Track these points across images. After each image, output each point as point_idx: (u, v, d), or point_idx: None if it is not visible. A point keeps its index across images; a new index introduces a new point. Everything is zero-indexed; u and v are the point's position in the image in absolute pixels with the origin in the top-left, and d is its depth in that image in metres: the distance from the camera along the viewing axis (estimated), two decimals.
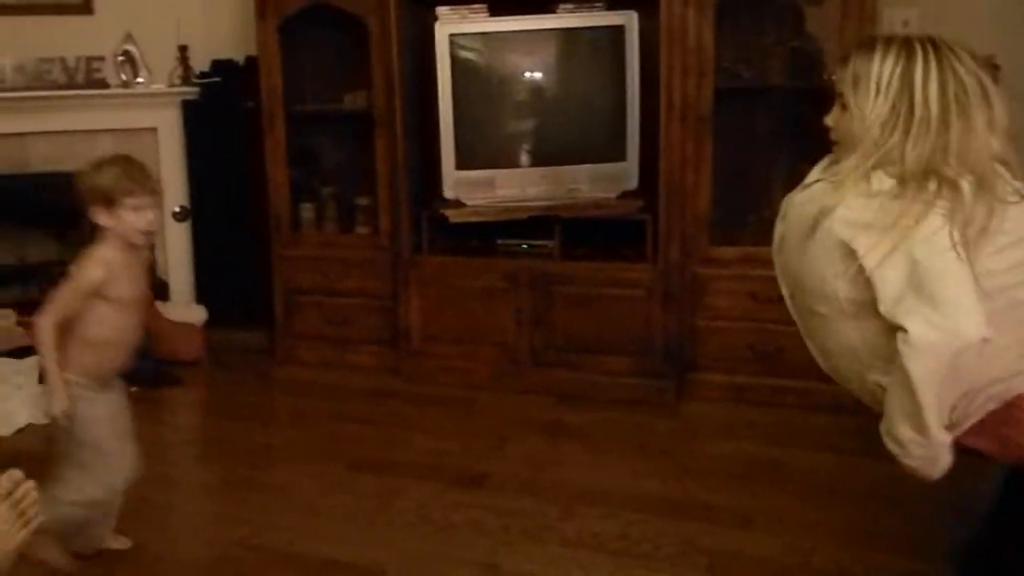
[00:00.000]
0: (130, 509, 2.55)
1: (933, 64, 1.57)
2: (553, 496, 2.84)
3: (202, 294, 4.46)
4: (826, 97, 1.76)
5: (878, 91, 1.59)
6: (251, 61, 4.06)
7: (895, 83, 1.58)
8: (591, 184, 3.52)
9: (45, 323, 2.21)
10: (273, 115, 3.88)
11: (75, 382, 2.27)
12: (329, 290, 3.87)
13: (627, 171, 3.50)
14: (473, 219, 3.58)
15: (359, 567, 2.48)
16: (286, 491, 2.92)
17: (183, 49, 4.30)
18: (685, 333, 3.42)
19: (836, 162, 1.71)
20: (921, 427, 1.57)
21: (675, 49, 3.28)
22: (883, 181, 1.58)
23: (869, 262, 1.54)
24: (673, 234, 3.39)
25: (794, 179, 1.99)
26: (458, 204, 3.59)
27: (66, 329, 2.24)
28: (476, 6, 3.61)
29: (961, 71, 1.57)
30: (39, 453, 3.25)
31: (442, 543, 2.61)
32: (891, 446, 1.64)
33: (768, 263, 3.00)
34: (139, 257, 2.36)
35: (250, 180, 4.13)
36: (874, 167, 1.59)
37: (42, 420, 3.17)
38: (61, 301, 2.23)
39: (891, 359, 1.56)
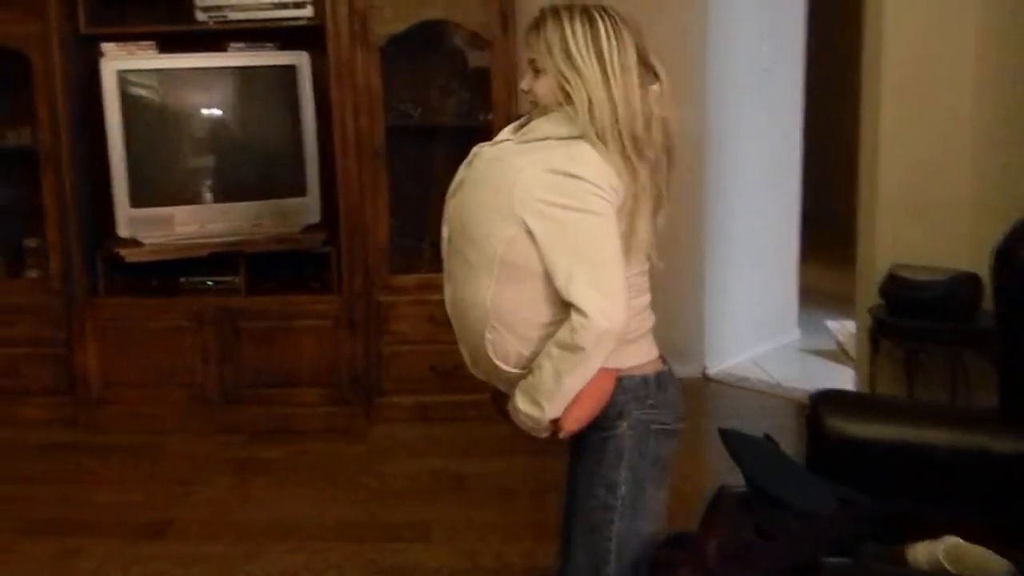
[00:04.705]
0: None
1: (612, 30, 1.65)
2: (239, 536, 2.84)
3: None
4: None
5: (569, 55, 1.63)
6: None
7: (585, 48, 1.63)
8: (274, 219, 3.56)
9: None
10: None
11: None
12: None
13: (308, 205, 3.58)
14: (151, 258, 3.50)
15: None
16: None
17: None
18: (371, 359, 3.55)
19: (526, 124, 1.74)
20: (540, 403, 1.65)
21: (345, 89, 3.42)
22: (581, 151, 1.62)
23: (544, 238, 1.59)
24: (356, 265, 3.51)
25: None
26: (135, 243, 3.50)
27: None
28: (144, 43, 3.56)
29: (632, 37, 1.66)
30: None
31: None
32: (523, 409, 1.68)
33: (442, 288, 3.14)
34: None
35: None
36: (572, 136, 1.63)
37: None
38: None
39: (529, 328, 1.64)
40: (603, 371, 1.66)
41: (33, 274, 3.68)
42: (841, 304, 3.89)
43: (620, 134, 1.62)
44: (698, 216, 3.92)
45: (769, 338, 4.29)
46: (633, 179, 1.63)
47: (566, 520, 1.86)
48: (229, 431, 3.51)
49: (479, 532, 2.81)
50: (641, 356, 1.74)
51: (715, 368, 4.03)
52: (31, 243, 3.69)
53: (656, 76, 1.70)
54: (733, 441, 1.91)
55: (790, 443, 1.96)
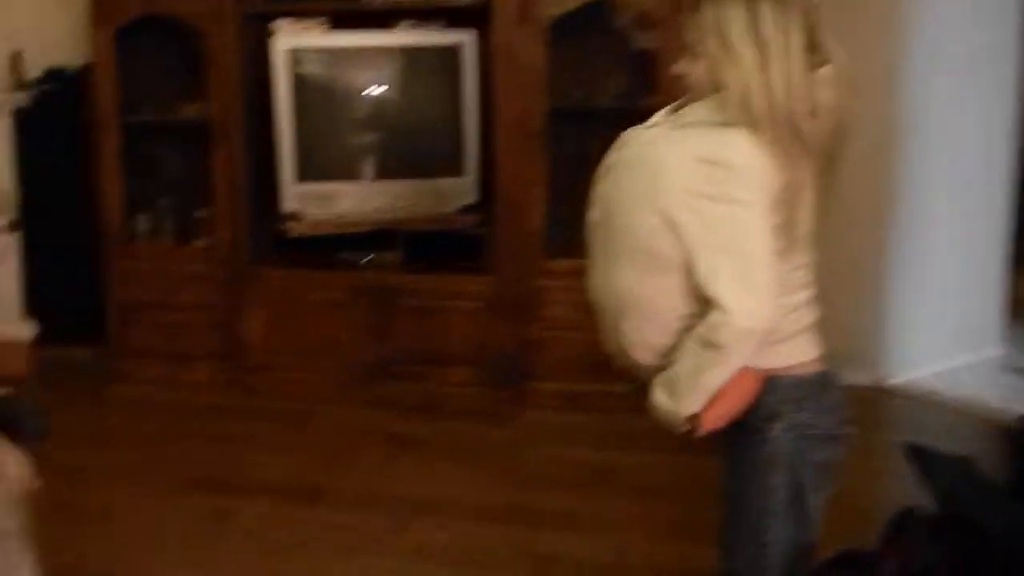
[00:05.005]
0: None
1: (773, 12, 1.54)
2: (388, 509, 2.88)
3: (35, 309, 4.28)
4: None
5: (725, 39, 1.55)
6: (87, 69, 3.94)
7: (742, 31, 1.54)
8: (431, 198, 3.58)
9: None
10: (106, 124, 3.76)
11: None
12: (166, 304, 3.78)
13: (466, 186, 3.58)
14: (313, 232, 3.58)
15: None
16: (115, 514, 2.84)
17: (15, 56, 4.13)
18: (522, 343, 3.52)
19: (679, 108, 1.66)
20: (675, 398, 1.59)
21: (507, 68, 3.39)
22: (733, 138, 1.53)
23: (687, 229, 1.53)
24: (510, 247, 3.49)
25: None
26: (298, 217, 3.59)
27: None
28: (317, 19, 3.63)
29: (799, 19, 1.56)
30: None
31: (274, 561, 2.61)
32: (659, 402, 1.62)
33: None
34: None
35: (85, 191, 4.00)
36: (725, 122, 1.54)
37: None
38: None
39: (668, 320, 1.58)
40: (747, 370, 1.57)
41: (201, 243, 3.83)
42: None
43: (777, 121, 1.51)
44: (883, 211, 3.66)
45: (965, 351, 3.89)
46: (791, 168, 1.52)
47: (721, 525, 1.78)
48: (379, 405, 3.57)
49: (627, 527, 2.74)
50: (796, 356, 1.63)
51: (897, 378, 3.74)
52: (201, 213, 3.84)
53: (827, 59, 1.57)
54: (923, 458, 1.77)
55: (986, 468, 1.80)
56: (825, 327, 1.68)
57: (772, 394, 1.61)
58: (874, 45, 3.48)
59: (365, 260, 3.67)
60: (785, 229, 1.54)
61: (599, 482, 3.04)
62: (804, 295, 1.64)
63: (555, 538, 2.71)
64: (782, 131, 1.52)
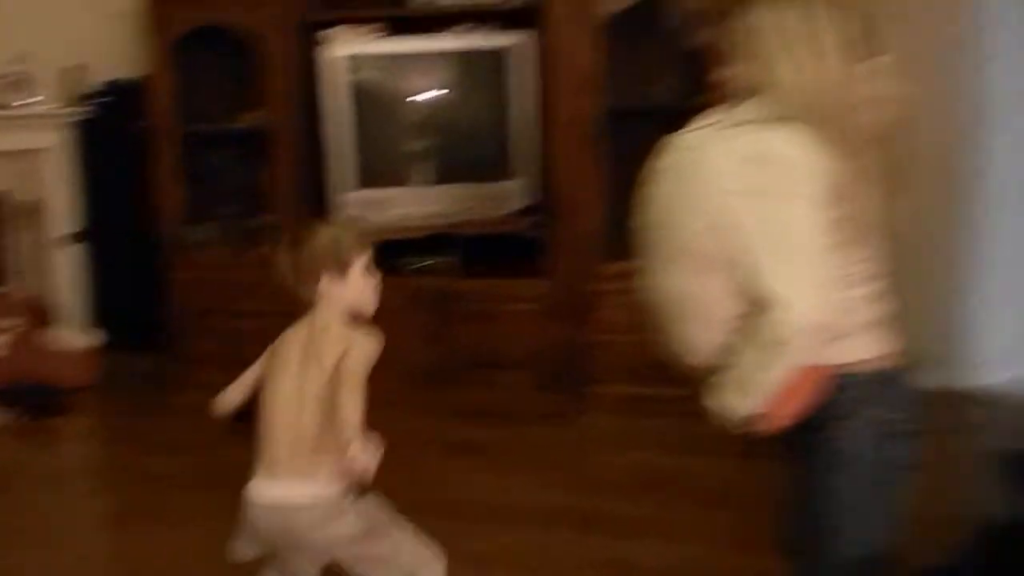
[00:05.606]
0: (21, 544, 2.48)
1: (807, 10, 1.52)
2: (451, 514, 2.85)
3: (99, 318, 4.36)
4: None
5: (763, 40, 1.54)
6: (146, 80, 4.00)
7: (776, 31, 1.52)
8: (487, 202, 3.58)
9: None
10: (164, 135, 3.82)
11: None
12: (228, 311, 3.82)
13: (519, 189, 3.56)
14: None
15: None
16: (190, 519, 2.87)
17: (76, 69, 4.21)
18: (581, 347, 3.49)
19: (727, 109, 1.62)
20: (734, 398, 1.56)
21: (561, 69, 3.36)
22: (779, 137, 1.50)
23: (735, 228, 1.50)
24: (566, 250, 3.46)
25: None
26: None
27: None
28: (373, 26, 3.64)
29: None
30: None
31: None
32: (718, 403, 1.60)
33: None
34: None
35: (147, 201, 4.06)
36: (771, 119, 1.51)
37: None
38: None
39: (720, 320, 1.56)
40: (811, 366, 1.52)
41: (263, 250, 3.85)
42: None
43: (829, 116, 1.49)
44: (959, 206, 3.54)
45: None
46: (847, 161, 1.49)
47: (788, 530, 1.74)
48: (439, 410, 3.56)
49: (700, 534, 2.68)
50: (865, 351, 1.58)
51: (987, 380, 3.59)
52: (260, 222, 3.87)
53: (883, 50, 1.54)
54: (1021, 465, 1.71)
55: None
56: (899, 327, 1.62)
57: (843, 391, 1.57)
58: (941, 33, 3.39)
59: (423, 265, 3.67)
60: (844, 223, 1.51)
61: (663, 487, 2.99)
62: (870, 289, 1.60)
63: (620, 544, 2.66)
64: (835, 125, 1.49)
